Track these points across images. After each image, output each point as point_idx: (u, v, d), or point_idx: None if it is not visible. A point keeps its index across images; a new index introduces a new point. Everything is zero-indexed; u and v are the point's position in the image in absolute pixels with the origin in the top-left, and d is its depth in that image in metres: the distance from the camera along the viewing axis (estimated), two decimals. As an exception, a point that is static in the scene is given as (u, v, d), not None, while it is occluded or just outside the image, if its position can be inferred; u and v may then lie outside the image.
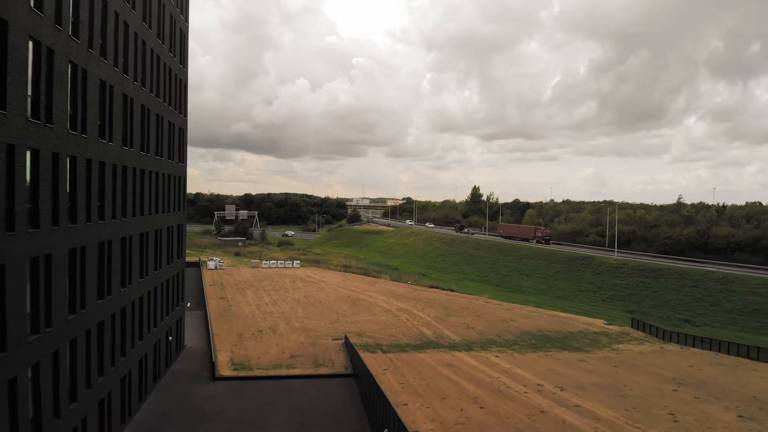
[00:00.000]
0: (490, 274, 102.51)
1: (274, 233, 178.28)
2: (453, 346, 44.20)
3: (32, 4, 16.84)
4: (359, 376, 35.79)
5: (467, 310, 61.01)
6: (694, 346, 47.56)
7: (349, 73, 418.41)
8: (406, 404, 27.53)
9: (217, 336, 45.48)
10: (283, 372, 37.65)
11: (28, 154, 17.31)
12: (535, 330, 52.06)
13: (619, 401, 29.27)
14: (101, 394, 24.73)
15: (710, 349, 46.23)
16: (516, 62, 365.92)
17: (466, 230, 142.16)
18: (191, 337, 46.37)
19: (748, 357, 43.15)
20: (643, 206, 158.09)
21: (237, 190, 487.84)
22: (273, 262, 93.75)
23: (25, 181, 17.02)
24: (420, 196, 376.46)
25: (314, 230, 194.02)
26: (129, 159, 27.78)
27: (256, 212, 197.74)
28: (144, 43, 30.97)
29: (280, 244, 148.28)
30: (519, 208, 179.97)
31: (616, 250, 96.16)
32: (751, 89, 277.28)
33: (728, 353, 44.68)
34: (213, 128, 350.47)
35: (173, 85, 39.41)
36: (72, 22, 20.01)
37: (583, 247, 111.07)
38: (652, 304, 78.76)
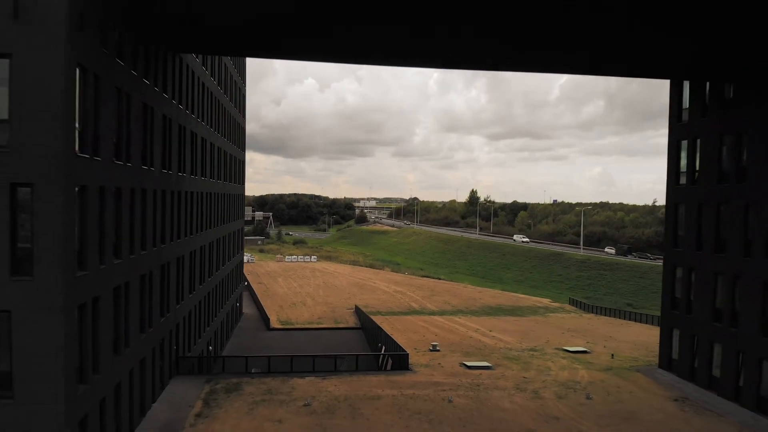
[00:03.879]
0: (478, 268, 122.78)
1: (287, 233, 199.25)
2: (431, 313, 64.63)
3: (173, 100, 37.06)
4: (365, 328, 56.44)
5: (448, 292, 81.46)
6: (604, 315, 67.63)
7: (357, 74, 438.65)
8: (392, 335, 47.82)
9: (264, 307, 66.01)
10: (315, 326, 58.27)
11: (180, 194, 37.99)
12: (495, 304, 72.39)
13: (521, 336, 49.66)
14: (217, 324, 45.58)
15: (614, 316, 66.30)
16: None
17: (634, 254, 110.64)
18: (245, 308, 67.01)
19: (634, 320, 63.26)
20: (635, 208, 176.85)
21: (246, 190, 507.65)
22: (294, 257, 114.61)
23: (157, 216, 36.80)
24: (427, 196, 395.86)
25: (324, 230, 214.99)
26: (214, 187, 47.96)
27: (270, 213, 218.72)
28: (227, 111, 51.78)
29: (295, 243, 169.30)
30: (514, 210, 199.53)
31: (582, 247, 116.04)
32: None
33: (624, 318, 64.77)
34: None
35: (238, 132, 60.07)
36: (185, 98, 39.28)
37: (560, 245, 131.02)
38: (606, 291, 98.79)
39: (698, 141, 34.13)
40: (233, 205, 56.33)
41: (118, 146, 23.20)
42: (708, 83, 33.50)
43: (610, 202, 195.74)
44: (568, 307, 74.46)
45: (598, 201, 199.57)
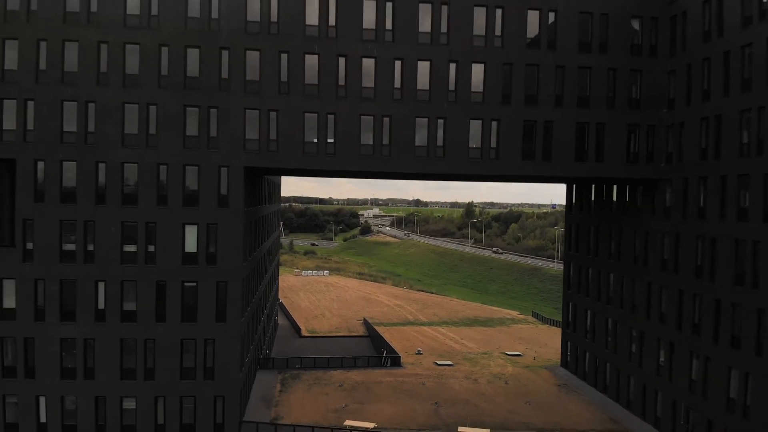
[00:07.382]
0: (468, 280, 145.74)
1: (297, 241, 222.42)
2: (422, 324, 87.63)
3: (261, 204, 60.16)
4: (371, 336, 79.50)
5: (438, 306, 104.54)
6: (555, 326, 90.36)
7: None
8: (390, 342, 70.69)
9: (294, 318, 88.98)
10: (334, 334, 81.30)
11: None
12: (473, 316, 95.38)
13: (482, 343, 72.67)
14: (268, 334, 68.72)
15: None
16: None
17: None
18: (279, 320, 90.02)
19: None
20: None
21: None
22: (309, 271, 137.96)
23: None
24: (430, 196, 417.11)
25: (331, 239, 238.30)
26: (268, 243, 70.92)
27: (281, 222, 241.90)
28: (273, 183, 74.79)
29: (306, 253, 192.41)
30: (507, 221, 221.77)
31: (556, 262, 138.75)
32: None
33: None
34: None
35: (277, 190, 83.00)
36: (262, 198, 62.83)
37: (542, 259, 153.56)
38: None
39: (579, 226, 56.92)
40: (275, 247, 79.36)
41: (250, 249, 46.10)
42: (583, 190, 56.22)
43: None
44: (530, 319, 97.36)
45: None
